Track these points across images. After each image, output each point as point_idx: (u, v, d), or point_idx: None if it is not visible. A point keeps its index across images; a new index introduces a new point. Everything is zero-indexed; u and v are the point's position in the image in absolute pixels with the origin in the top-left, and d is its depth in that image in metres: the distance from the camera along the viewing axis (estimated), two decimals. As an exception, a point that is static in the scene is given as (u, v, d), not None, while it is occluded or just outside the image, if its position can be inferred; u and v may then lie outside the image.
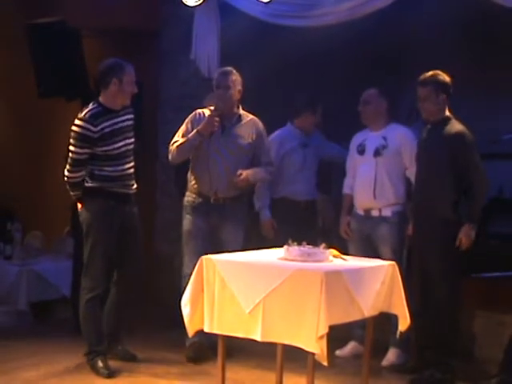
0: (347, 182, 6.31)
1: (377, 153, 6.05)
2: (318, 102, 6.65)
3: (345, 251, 5.23)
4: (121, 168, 5.81)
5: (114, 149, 5.75)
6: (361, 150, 6.15)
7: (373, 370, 5.45)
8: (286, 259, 4.78)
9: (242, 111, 6.20)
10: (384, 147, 6.04)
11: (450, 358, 5.61)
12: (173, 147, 6.10)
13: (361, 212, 6.15)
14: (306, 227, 6.16)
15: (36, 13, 7.69)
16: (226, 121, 6.11)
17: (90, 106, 5.75)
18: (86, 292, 5.81)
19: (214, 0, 6.86)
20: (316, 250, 4.82)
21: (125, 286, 6.00)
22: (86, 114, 5.70)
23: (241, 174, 6.00)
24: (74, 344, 6.16)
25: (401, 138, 6.05)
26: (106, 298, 5.96)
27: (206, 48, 7.04)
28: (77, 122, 5.69)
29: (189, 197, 6.23)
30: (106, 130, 5.69)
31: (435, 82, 5.65)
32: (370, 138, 6.14)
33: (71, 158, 5.74)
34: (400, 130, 6.10)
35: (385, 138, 6.06)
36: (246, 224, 6.29)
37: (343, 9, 6.35)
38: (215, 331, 4.77)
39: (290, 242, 4.86)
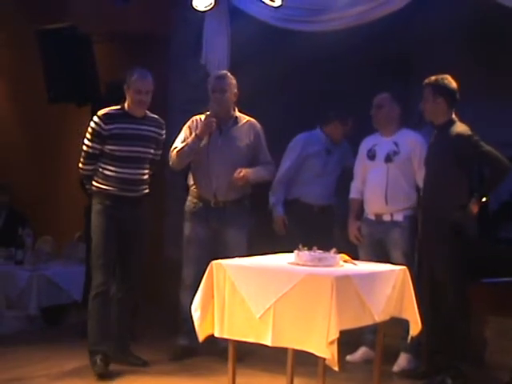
0: (355, 186, 6.26)
1: (388, 159, 6.00)
2: (349, 115, 6.63)
3: (354, 256, 5.19)
4: (125, 171, 5.86)
5: (121, 151, 5.84)
6: (371, 156, 6.10)
7: (384, 376, 5.41)
8: (296, 264, 4.76)
9: (238, 113, 6.25)
10: (395, 153, 5.99)
11: (461, 363, 5.57)
12: (173, 153, 6.15)
13: (372, 217, 6.10)
14: (317, 231, 6.09)
15: (47, 18, 7.69)
16: (223, 124, 6.16)
17: (113, 107, 5.96)
18: (91, 290, 5.91)
19: (224, 5, 6.85)
20: (326, 254, 4.80)
21: (127, 291, 6.04)
22: (103, 112, 5.89)
23: (240, 172, 6.02)
24: (84, 348, 6.08)
25: (412, 144, 6.00)
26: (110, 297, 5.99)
27: (215, 52, 7.04)
28: (93, 118, 5.90)
29: (189, 202, 6.26)
30: (115, 131, 5.82)
31: (434, 85, 5.64)
32: (380, 143, 6.09)
33: (83, 150, 5.95)
34: (411, 136, 6.06)
35: (396, 144, 6.01)
36: (249, 228, 6.27)
37: (351, 14, 6.34)
38: (225, 336, 4.75)
39: (300, 246, 4.84)
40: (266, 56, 6.95)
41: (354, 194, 6.25)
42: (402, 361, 5.95)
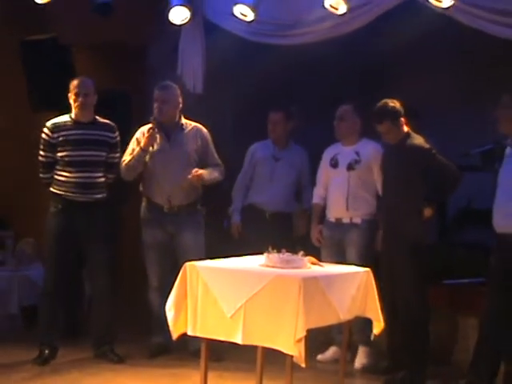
0: (317, 192, 6.29)
1: (350, 167, 6.06)
2: (291, 117, 6.63)
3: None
4: (77, 175, 5.95)
5: (71, 156, 5.94)
6: (334, 164, 6.15)
7: (350, 372, 5.48)
8: (266, 266, 4.81)
9: (184, 120, 6.28)
10: (357, 162, 6.05)
11: (422, 360, 5.62)
12: (122, 165, 6.19)
13: (332, 219, 6.15)
14: (270, 236, 5.77)
15: (29, 30, 7.68)
16: (170, 131, 6.19)
17: (61, 116, 6.08)
18: (43, 289, 6.17)
19: (199, 19, 6.86)
20: (295, 257, 4.86)
21: (99, 291, 6.11)
22: (50, 122, 6.04)
23: (196, 171, 6.06)
24: (64, 345, 6.16)
25: (372, 154, 6.05)
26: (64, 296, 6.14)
27: (191, 64, 7.04)
28: (43, 129, 6.03)
29: (143, 208, 6.29)
30: (62, 138, 5.94)
31: (389, 115, 5.65)
32: (342, 152, 6.15)
33: (39, 160, 6.11)
34: (372, 146, 6.10)
35: (357, 153, 6.07)
36: (204, 230, 6.28)
37: (320, 29, 6.35)
38: (198, 334, 4.79)
39: (270, 249, 4.89)
40: (239, 68, 6.98)
41: (316, 199, 6.29)
42: (361, 356, 5.99)
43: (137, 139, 6.22)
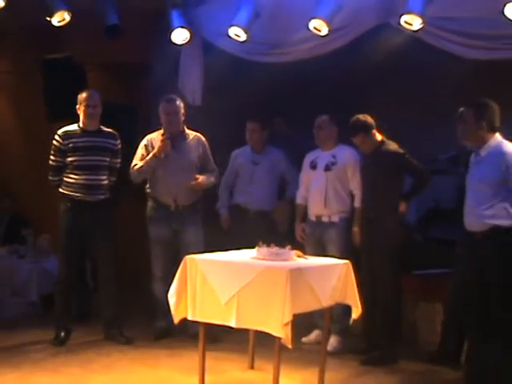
0: (300, 193, 6.30)
1: (327, 168, 6.09)
2: (266, 126, 6.67)
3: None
4: (84, 178, 5.97)
5: (79, 160, 5.97)
6: (313, 166, 6.18)
7: (330, 354, 5.50)
8: (257, 258, 4.83)
9: (186, 130, 6.30)
10: (333, 164, 6.08)
11: (395, 341, 5.66)
12: (133, 170, 6.21)
13: (313, 218, 6.17)
14: (255, 232, 5.76)
15: (47, 49, 7.72)
16: (176, 140, 6.20)
17: (71, 125, 6.09)
18: (56, 278, 6.21)
19: (198, 39, 6.86)
20: (282, 250, 4.87)
21: (105, 279, 6.13)
22: (61, 130, 6.04)
23: (198, 178, 6.13)
24: (77, 329, 6.19)
25: (347, 157, 6.09)
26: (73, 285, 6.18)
27: (191, 79, 7.04)
28: (55, 136, 6.05)
29: (150, 208, 6.30)
30: (71, 145, 5.97)
31: (361, 129, 5.73)
32: (321, 156, 6.18)
33: (49, 164, 6.11)
34: (347, 150, 6.13)
35: (334, 157, 6.11)
36: (203, 227, 6.31)
37: (302, 49, 6.38)
38: (197, 319, 4.82)
39: (260, 243, 4.90)
40: (234, 82, 6.99)
41: (299, 200, 6.31)
42: (333, 341, 5.98)
43: (145, 146, 6.23)
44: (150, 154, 6.14)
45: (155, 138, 6.23)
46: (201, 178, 6.16)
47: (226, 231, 6.67)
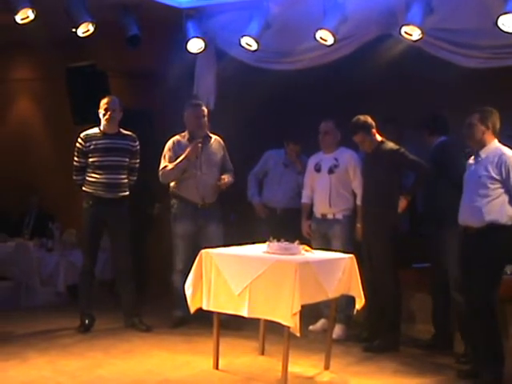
0: (305, 193, 6.27)
1: (330, 171, 6.06)
2: (300, 140, 6.61)
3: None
4: (105, 177, 5.95)
5: (100, 161, 5.96)
6: (318, 169, 6.14)
7: (336, 341, 5.47)
8: (268, 252, 4.81)
9: (209, 133, 6.27)
10: (336, 166, 6.05)
11: (394, 329, 5.62)
12: (165, 171, 6.14)
13: (319, 216, 6.14)
14: (281, 228, 6.01)
15: (73, 58, 7.70)
16: (202, 143, 6.16)
17: (92, 128, 6.09)
18: (80, 270, 6.22)
19: (211, 48, 6.84)
20: (292, 245, 4.84)
21: (123, 271, 6.11)
22: (83, 133, 6.03)
23: (224, 179, 6.13)
24: (102, 316, 6.18)
25: (348, 159, 6.05)
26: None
27: (205, 85, 7.01)
28: (78, 139, 6.03)
29: (177, 205, 6.22)
30: (93, 146, 5.96)
31: (361, 128, 5.69)
32: (324, 159, 6.15)
33: (73, 165, 6.10)
34: (348, 153, 6.09)
35: (336, 159, 6.07)
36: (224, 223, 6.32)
37: (309, 57, 6.35)
38: (211, 309, 4.81)
39: (271, 238, 4.88)
40: (245, 88, 6.95)
41: (304, 199, 6.27)
42: (338, 330, 5.93)
43: (169, 148, 6.17)
44: (181, 157, 6.07)
45: (180, 140, 6.18)
46: (226, 177, 6.16)
47: (260, 219, 6.59)
